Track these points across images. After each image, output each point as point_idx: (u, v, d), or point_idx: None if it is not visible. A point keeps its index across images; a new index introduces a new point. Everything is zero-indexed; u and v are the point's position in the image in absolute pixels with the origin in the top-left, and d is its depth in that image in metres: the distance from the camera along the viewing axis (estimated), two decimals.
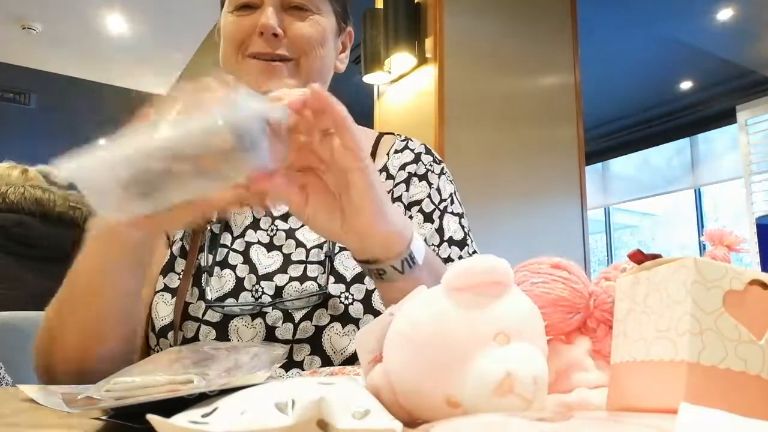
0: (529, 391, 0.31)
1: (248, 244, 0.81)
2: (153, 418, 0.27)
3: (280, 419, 0.27)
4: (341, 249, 0.79)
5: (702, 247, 4.85)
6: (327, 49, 0.82)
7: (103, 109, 5.64)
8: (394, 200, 0.84)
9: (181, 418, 0.28)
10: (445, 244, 0.81)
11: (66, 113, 5.72)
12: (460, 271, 0.34)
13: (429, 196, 0.85)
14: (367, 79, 2.88)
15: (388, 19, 2.69)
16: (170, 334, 0.75)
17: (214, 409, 0.30)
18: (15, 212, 1.61)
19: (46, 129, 6.00)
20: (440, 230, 0.82)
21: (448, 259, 0.80)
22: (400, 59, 2.71)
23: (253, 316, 0.74)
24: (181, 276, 0.79)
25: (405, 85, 2.80)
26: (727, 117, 5.13)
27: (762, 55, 4.48)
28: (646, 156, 6.16)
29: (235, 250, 0.80)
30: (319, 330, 0.74)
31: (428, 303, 0.34)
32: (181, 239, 0.83)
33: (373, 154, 0.88)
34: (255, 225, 0.83)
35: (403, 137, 0.92)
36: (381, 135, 0.92)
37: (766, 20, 3.99)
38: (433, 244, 0.81)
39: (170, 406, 0.32)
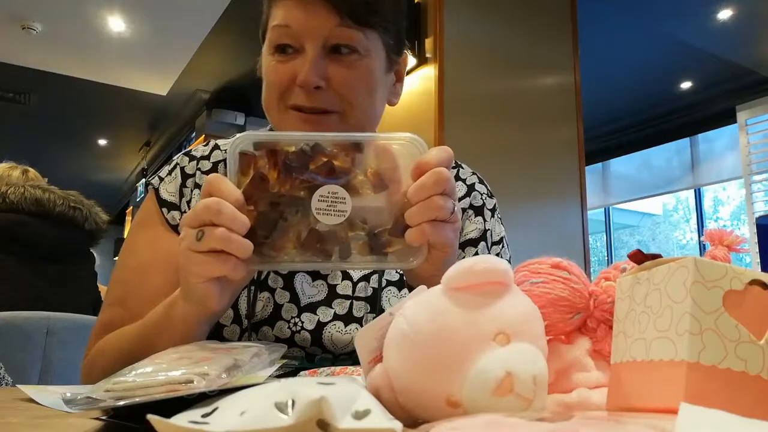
0: (529, 391, 0.31)
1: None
2: (153, 418, 0.27)
3: (280, 419, 0.27)
4: (388, 283, 0.76)
5: (702, 247, 4.85)
6: (376, 95, 0.77)
7: (103, 109, 5.65)
8: None
9: (181, 418, 0.28)
10: None
11: (66, 113, 5.72)
12: (460, 271, 0.34)
13: (484, 238, 0.82)
14: None
15: None
16: None
17: (214, 409, 0.30)
18: (15, 212, 1.62)
19: (46, 129, 6.00)
20: None
21: None
22: None
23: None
24: None
25: (405, 85, 2.79)
26: (727, 117, 5.12)
27: (762, 55, 4.47)
28: (646, 156, 6.15)
29: (276, 272, 0.75)
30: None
31: (428, 303, 0.34)
32: None
33: None
34: None
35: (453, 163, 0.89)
36: None
37: (766, 20, 3.99)
38: None
39: (170, 406, 0.32)
